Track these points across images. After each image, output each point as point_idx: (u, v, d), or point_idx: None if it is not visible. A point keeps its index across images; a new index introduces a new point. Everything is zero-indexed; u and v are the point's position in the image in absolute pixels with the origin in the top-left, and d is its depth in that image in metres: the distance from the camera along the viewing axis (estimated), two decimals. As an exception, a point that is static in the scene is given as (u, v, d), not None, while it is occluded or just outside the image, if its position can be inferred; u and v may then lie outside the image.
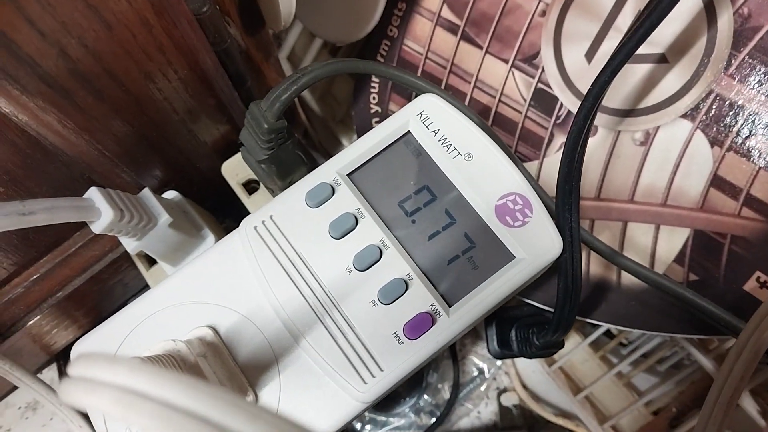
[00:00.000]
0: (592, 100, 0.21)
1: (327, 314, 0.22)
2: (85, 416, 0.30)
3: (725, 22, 0.25)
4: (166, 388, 0.09)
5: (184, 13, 0.22)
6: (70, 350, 0.36)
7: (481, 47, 0.31)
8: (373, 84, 0.36)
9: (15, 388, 0.36)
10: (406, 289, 0.22)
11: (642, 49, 0.27)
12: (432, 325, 0.22)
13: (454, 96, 0.25)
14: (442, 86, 0.33)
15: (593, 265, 0.30)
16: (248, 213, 0.24)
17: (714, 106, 0.26)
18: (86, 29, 0.19)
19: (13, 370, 0.28)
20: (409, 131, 0.25)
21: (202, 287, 0.23)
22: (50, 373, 0.36)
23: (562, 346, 0.29)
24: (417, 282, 0.22)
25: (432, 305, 0.22)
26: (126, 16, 0.20)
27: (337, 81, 0.42)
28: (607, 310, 0.30)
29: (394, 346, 0.22)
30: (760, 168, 0.25)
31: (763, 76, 0.25)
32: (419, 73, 0.34)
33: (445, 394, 0.39)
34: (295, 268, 0.23)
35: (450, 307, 0.22)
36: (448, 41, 0.32)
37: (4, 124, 0.22)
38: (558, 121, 0.30)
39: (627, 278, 0.29)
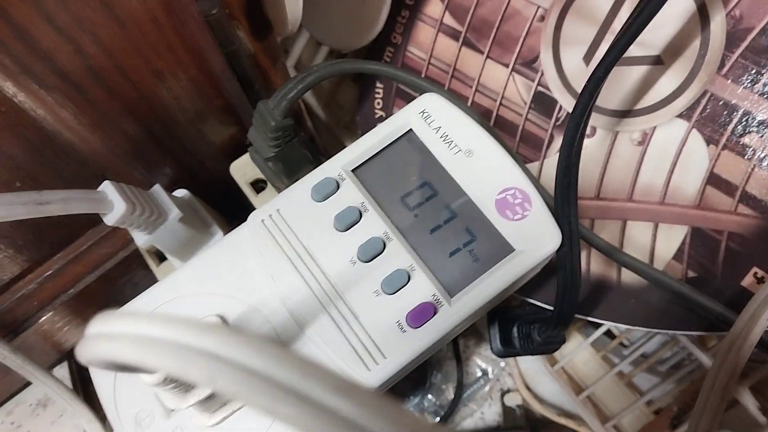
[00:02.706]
0: (588, 95, 0.22)
1: (332, 304, 0.23)
2: (95, 411, 0.31)
3: (718, 24, 0.26)
4: (179, 330, 0.09)
5: (194, 14, 0.23)
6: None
7: (482, 52, 0.32)
8: (377, 89, 0.37)
9: (26, 385, 0.36)
10: (409, 280, 0.23)
11: (638, 52, 0.28)
12: (434, 315, 0.23)
13: (454, 95, 0.26)
14: (445, 90, 0.34)
15: (593, 264, 0.30)
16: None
17: (709, 106, 0.26)
18: (100, 26, 0.20)
19: (26, 365, 0.29)
20: (411, 129, 0.25)
21: (211, 278, 0.24)
22: (61, 371, 0.37)
23: (564, 341, 0.29)
24: (419, 273, 0.23)
25: (434, 295, 0.23)
26: (137, 14, 0.21)
27: (342, 88, 0.43)
28: (607, 309, 0.30)
29: (397, 334, 0.22)
30: (754, 165, 0.26)
31: (755, 75, 0.25)
32: (422, 78, 0.35)
33: (449, 394, 0.39)
34: (301, 259, 0.24)
35: (452, 297, 0.23)
36: (450, 47, 0.33)
37: (22, 119, 0.23)
38: (557, 123, 0.30)
39: (627, 276, 0.29)
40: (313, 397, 0.08)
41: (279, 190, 0.29)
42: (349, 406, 0.08)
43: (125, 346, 0.10)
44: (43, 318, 0.32)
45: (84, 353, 0.12)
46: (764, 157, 0.25)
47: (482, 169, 0.24)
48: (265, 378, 0.08)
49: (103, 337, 0.11)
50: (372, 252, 0.23)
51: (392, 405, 0.08)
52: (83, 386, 0.38)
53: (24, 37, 0.19)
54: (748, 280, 0.26)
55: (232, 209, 0.34)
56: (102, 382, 0.24)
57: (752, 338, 0.21)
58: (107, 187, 0.24)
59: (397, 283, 0.23)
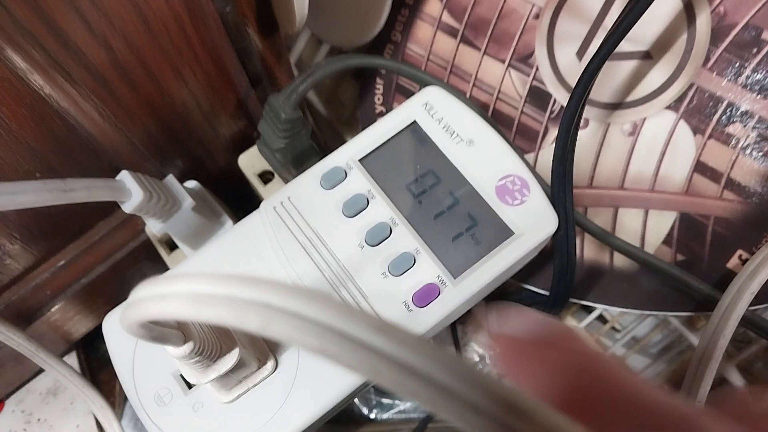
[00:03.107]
0: (583, 87, 0.23)
1: (342, 286, 0.24)
2: (106, 397, 0.32)
3: (703, 20, 0.27)
4: (233, 283, 0.11)
5: (211, 12, 0.24)
6: (88, 339, 0.38)
7: (479, 49, 0.34)
8: (377, 85, 0.38)
9: (36, 374, 0.37)
10: (414, 263, 0.24)
11: (628, 47, 0.29)
12: (438, 294, 0.24)
13: (455, 88, 0.27)
14: (444, 85, 0.35)
15: (587, 249, 0.32)
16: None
17: (695, 98, 0.28)
18: (127, 22, 0.21)
19: (39, 352, 0.30)
20: (415, 120, 0.27)
21: (225, 263, 0.25)
22: (69, 361, 0.37)
23: (559, 323, 0.31)
24: (424, 256, 0.24)
25: (438, 276, 0.24)
26: (162, 12, 0.22)
27: (343, 84, 0.44)
28: (600, 292, 0.32)
29: (404, 313, 0.24)
30: (738, 153, 0.27)
31: (738, 69, 0.27)
32: (422, 74, 0.36)
33: (448, 381, 0.40)
34: (311, 244, 0.25)
35: (455, 278, 0.24)
36: (448, 44, 0.35)
37: (48, 112, 0.24)
38: (552, 116, 0.32)
39: (619, 261, 0.31)
40: (357, 336, 0.09)
41: (286, 181, 0.30)
42: (390, 344, 0.09)
43: (181, 302, 0.11)
44: (55, 307, 0.33)
45: (133, 316, 0.13)
46: (747, 145, 0.27)
47: (483, 158, 0.26)
48: (313, 321, 0.10)
49: (155, 297, 0.12)
50: (379, 236, 0.25)
51: (431, 345, 0.09)
52: (92, 375, 0.39)
53: (56, 32, 0.20)
54: (733, 262, 0.28)
55: (237, 201, 0.35)
56: (121, 362, 0.25)
57: (737, 312, 0.22)
58: (125, 176, 0.25)
59: (403, 265, 0.24)
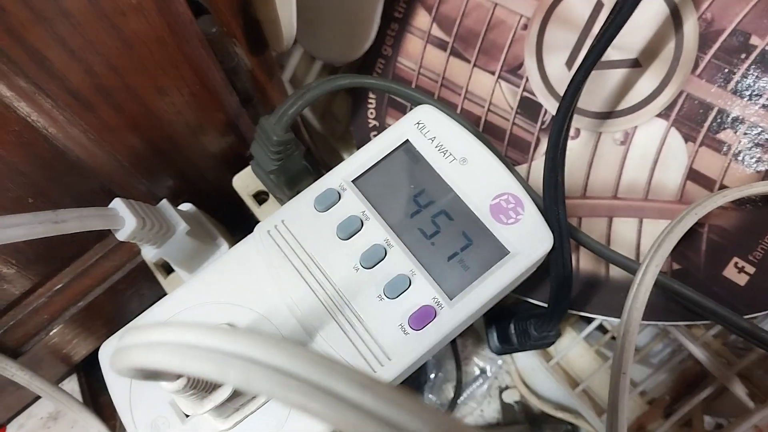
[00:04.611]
0: (569, 99, 0.23)
1: (338, 310, 0.24)
2: (105, 421, 0.32)
3: (691, 26, 0.27)
4: (213, 337, 0.11)
5: (196, 33, 0.25)
6: (89, 361, 0.38)
7: (469, 61, 0.34)
8: (370, 100, 0.38)
9: (37, 398, 0.37)
10: (410, 284, 0.24)
11: (617, 55, 0.29)
12: (435, 317, 0.24)
13: (447, 106, 0.27)
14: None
15: (583, 261, 0.31)
16: (257, 223, 0.26)
17: (686, 105, 0.28)
18: (109, 46, 0.22)
19: (34, 381, 0.30)
20: (407, 140, 0.27)
21: (221, 288, 0.25)
22: (71, 384, 0.37)
23: (559, 334, 0.31)
24: (420, 277, 0.24)
25: (434, 298, 0.24)
26: (144, 34, 0.22)
27: (336, 100, 0.44)
28: (598, 303, 0.32)
29: (401, 336, 0.24)
30: (730, 160, 0.27)
31: (727, 75, 0.27)
32: (413, 88, 0.36)
33: (449, 393, 0.40)
34: (306, 267, 0.25)
35: (451, 299, 0.24)
36: (438, 57, 0.35)
37: (35, 137, 0.24)
38: (543, 126, 0.32)
39: (615, 272, 0.31)
40: (340, 393, 0.09)
41: (281, 202, 0.30)
42: (371, 400, 0.09)
43: (165, 354, 0.11)
44: (53, 331, 0.33)
45: (121, 363, 0.13)
46: (739, 152, 0.27)
47: (476, 176, 0.25)
48: (295, 377, 0.10)
49: (140, 346, 0.12)
50: (374, 259, 0.24)
51: (411, 399, 0.09)
52: (93, 398, 0.39)
53: (38, 59, 0.20)
54: (729, 270, 0.28)
55: (234, 221, 0.35)
56: (118, 390, 0.25)
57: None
58: (118, 204, 0.25)
59: (398, 287, 0.24)
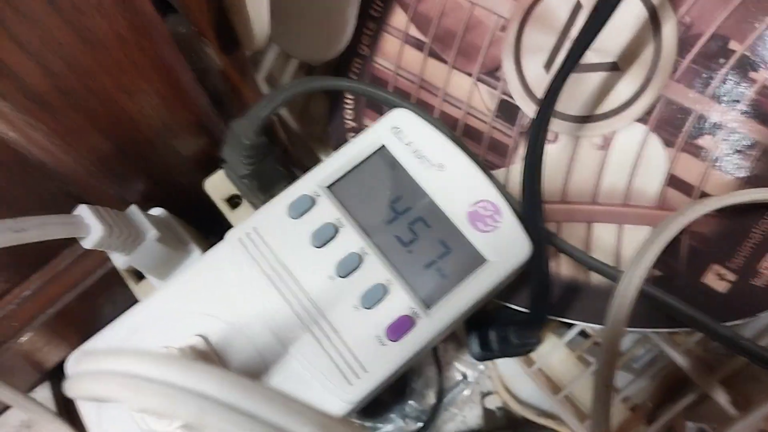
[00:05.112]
0: (547, 104, 0.23)
1: (312, 321, 0.23)
2: (79, 428, 0.31)
3: (669, 30, 0.27)
4: (169, 370, 0.10)
5: (161, 32, 0.24)
6: (63, 368, 0.37)
7: (446, 62, 0.33)
8: (347, 101, 0.37)
9: (10, 406, 0.36)
10: (386, 294, 0.24)
11: (595, 58, 0.29)
12: (412, 327, 0.23)
13: (424, 110, 0.27)
14: (413, 101, 0.35)
15: (564, 267, 0.31)
16: (231, 227, 0.26)
17: (665, 110, 0.28)
18: (67, 46, 0.21)
19: (4, 389, 0.29)
20: (383, 145, 0.26)
21: (192, 298, 0.24)
22: (43, 391, 0.37)
23: (540, 340, 0.30)
24: (396, 286, 0.24)
25: (411, 308, 0.23)
26: (104, 34, 0.21)
27: (314, 100, 0.43)
28: (579, 309, 0.31)
29: (377, 348, 0.23)
30: (709, 166, 0.27)
31: (706, 80, 0.27)
32: (391, 89, 0.35)
33: (431, 399, 0.40)
34: (279, 277, 0.24)
35: (429, 309, 0.24)
36: (416, 57, 0.34)
37: (-4, 143, 0.23)
38: (521, 130, 0.31)
39: (596, 278, 0.30)
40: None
41: (255, 206, 0.30)
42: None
43: (114, 386, 0.10)
44: (23, 339, 0.32)
45: (72, 390, 0.12)
46: (717, 158, 0.27)
47: (454, 183, 0.25)
48: (251, 416, 0.09)
49: (90, 375, 0.11)
50: (349, 267, 0.24)
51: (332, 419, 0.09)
52: (66, 406, 0.38)
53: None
54: (708, 277, 0.28)
55: (207, 224, 0.34)
56: (87, 408, 0.24)
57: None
58: (83, 210, 0.24)
59: (375, 297, 0.23)
